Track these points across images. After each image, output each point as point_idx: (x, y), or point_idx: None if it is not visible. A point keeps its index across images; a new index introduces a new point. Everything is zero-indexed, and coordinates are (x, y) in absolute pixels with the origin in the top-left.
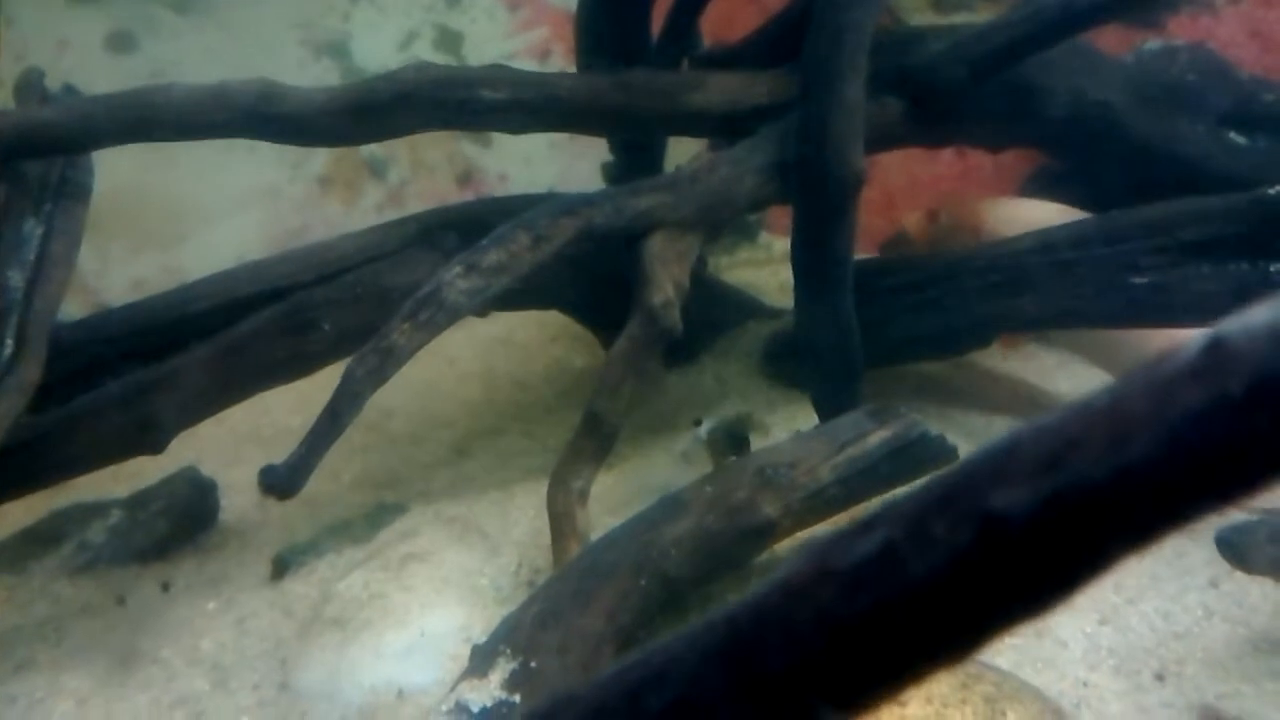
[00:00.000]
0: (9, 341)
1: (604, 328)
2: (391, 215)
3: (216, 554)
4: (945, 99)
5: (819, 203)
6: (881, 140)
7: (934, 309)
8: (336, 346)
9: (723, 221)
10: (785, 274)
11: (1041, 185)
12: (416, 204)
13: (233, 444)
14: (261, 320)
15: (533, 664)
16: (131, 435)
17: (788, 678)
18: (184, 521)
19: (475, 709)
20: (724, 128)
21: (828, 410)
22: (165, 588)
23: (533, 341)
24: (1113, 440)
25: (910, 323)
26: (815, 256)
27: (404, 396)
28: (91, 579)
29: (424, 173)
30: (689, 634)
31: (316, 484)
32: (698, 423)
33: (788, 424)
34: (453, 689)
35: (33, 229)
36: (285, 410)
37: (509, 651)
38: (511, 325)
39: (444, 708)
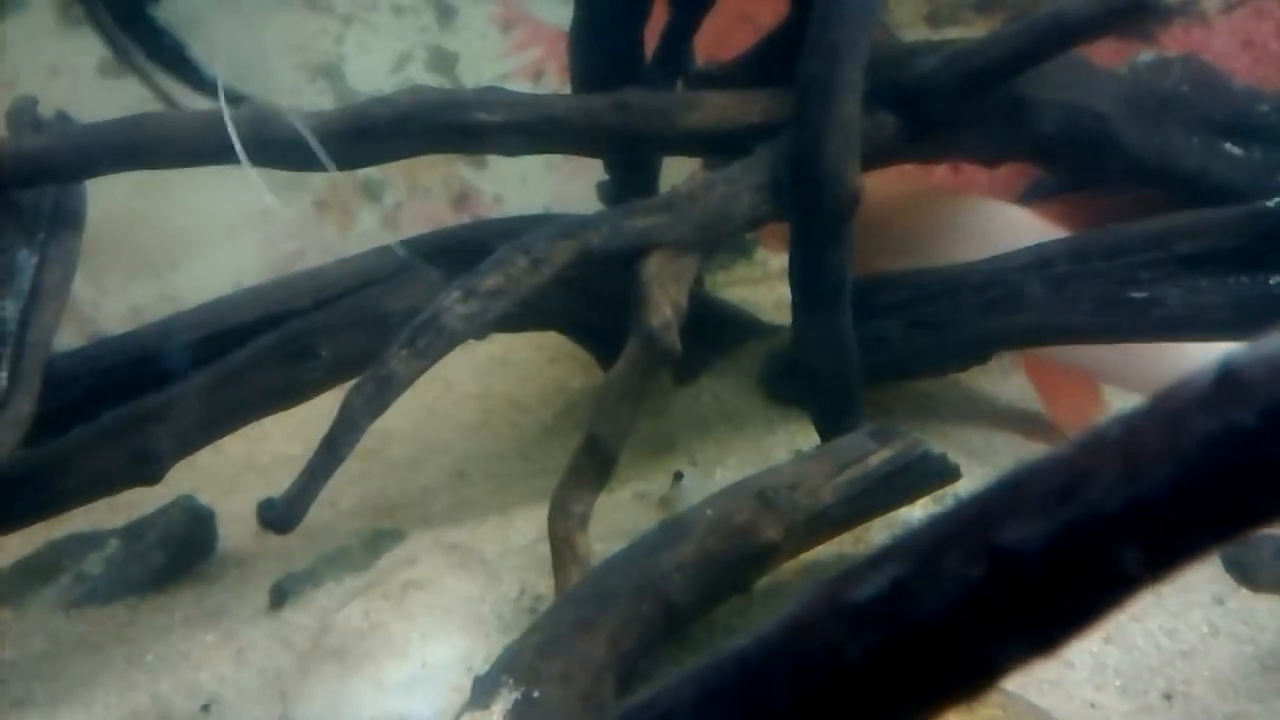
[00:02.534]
0: (2, 375)
1: (602, 348)
2: (387, 239)
3: (215, 584)
4: (940, 114)
5: (815, 221)
6: (876, 156)
7: (932, 326)
8: (334, 373)
9: (720, 241)
10: (782, 290)
11: (1036, 200)
12: (412, 227)
13: (230, 472)
14: (258, 348)
15: (535, 694)
16: (128, 467)
17: (797, 717)
18: (182, 551)
19: None
20: (720, 147)
21: (828, 430)
22: (164, 621)
23: (530, 362)
24: (1126, 472)
25: (908, 340)
26: (813, 275)
27: (402, 421)
28: (88, 612)
29: (419, 196)
30: (697, 674)
31: (314, 511)
32: (679, 476)
33: (787, 444)
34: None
35: (26, 259)
36: (283, 438)
37: (511, 682)
38: (509, 346)
39: None
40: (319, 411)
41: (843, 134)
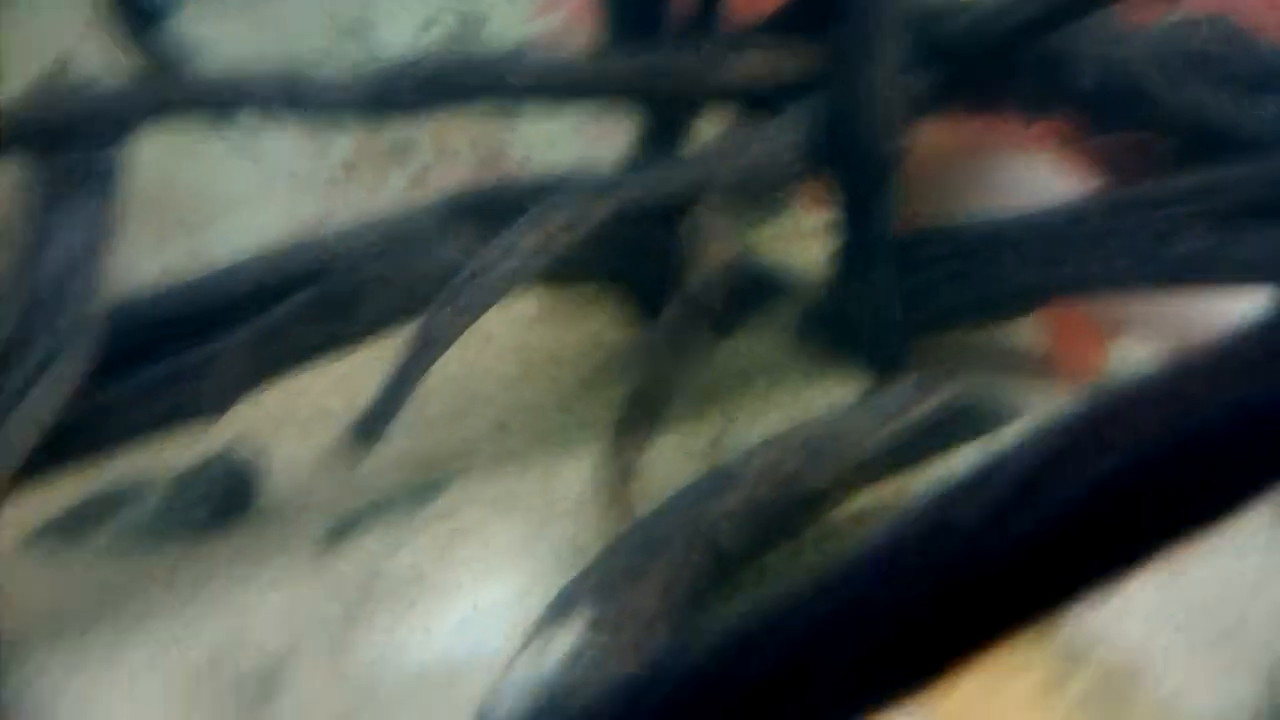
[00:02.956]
0: (57, 324)
1: (642, 302)
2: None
3: (258, 534)
4: (975, 71)
5: (857, 178)
6: (913, 113)
7: (973, 279)
8: (373, 328)
9: (758, 197)
10: (816, 249)
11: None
12: (440, 189)
13: (269, 425)
14: (299, 303)
15: (590, 639)
16: (179, 414)
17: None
18: (225, 503)
19: (540, 680)
20: (753, 104)
21: (873, 383)
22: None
23: (568, 317)
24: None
25: (949, 293)
26: (855, 231)
27: (441, 375)
28: (135, 560)
29: (447, 157)
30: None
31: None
32: (723, 427)
33: (826, 397)
34: (513, 662)
35: (67, 214)
36: (321, 391)
37: (565, 627)
38: (547, 301)
39: (507, 680)
40: (357, 366)
41: (884, 90)
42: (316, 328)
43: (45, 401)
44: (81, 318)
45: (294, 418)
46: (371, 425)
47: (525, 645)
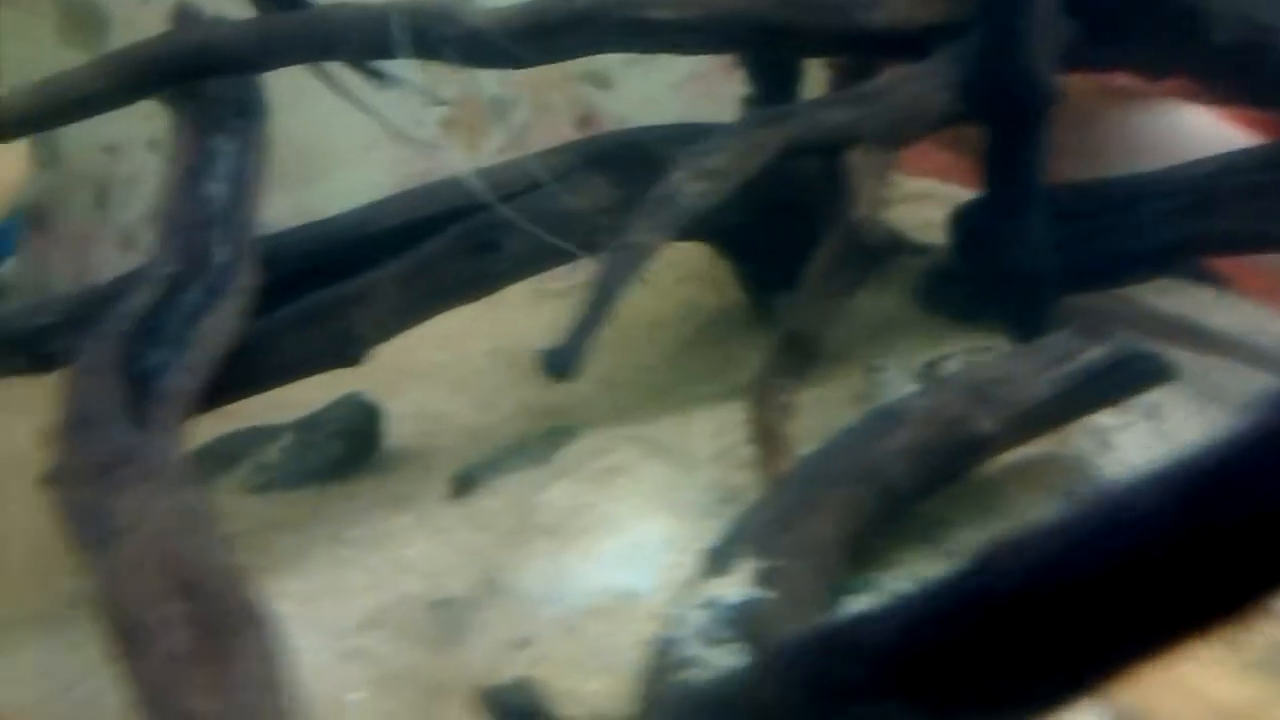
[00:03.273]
0: (221, 249)
1: (746, 264)
2: (513, 158)
3: (392, 474)
4: (1118, 20)
5: (1010, 122)
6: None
7: (1116, 233)
8: (518, 266)
9: (912, 139)
10: (924, 212)
11: None
12: (538, 146)
13: (385, 378)
14: (446, 240)
15: (774, 565)
16: (330, 348)
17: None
18: (355, 444)
19: (728, 603)
20: (897, 47)
21: (1022, 335)
22: (354, 505)
23: (661, 282)
24: None
25: (1091, 248)
26: (1006, 178)
27: (541, 336)
28: (276, 495)
29: (545, 115)
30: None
31: (473, 414)
32: (874, 368)
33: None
34: (696, 586)
35: (222, 144)
36: (431, 348)
37: (747, 552)
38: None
39: (694, 603)
40: (464, 323)
41: (1040, 32)
42: (466, 263)
43: (222, 330)
44: (245, 246)
45: (407, 371)
46: (573, 347)
47: (706, 571)
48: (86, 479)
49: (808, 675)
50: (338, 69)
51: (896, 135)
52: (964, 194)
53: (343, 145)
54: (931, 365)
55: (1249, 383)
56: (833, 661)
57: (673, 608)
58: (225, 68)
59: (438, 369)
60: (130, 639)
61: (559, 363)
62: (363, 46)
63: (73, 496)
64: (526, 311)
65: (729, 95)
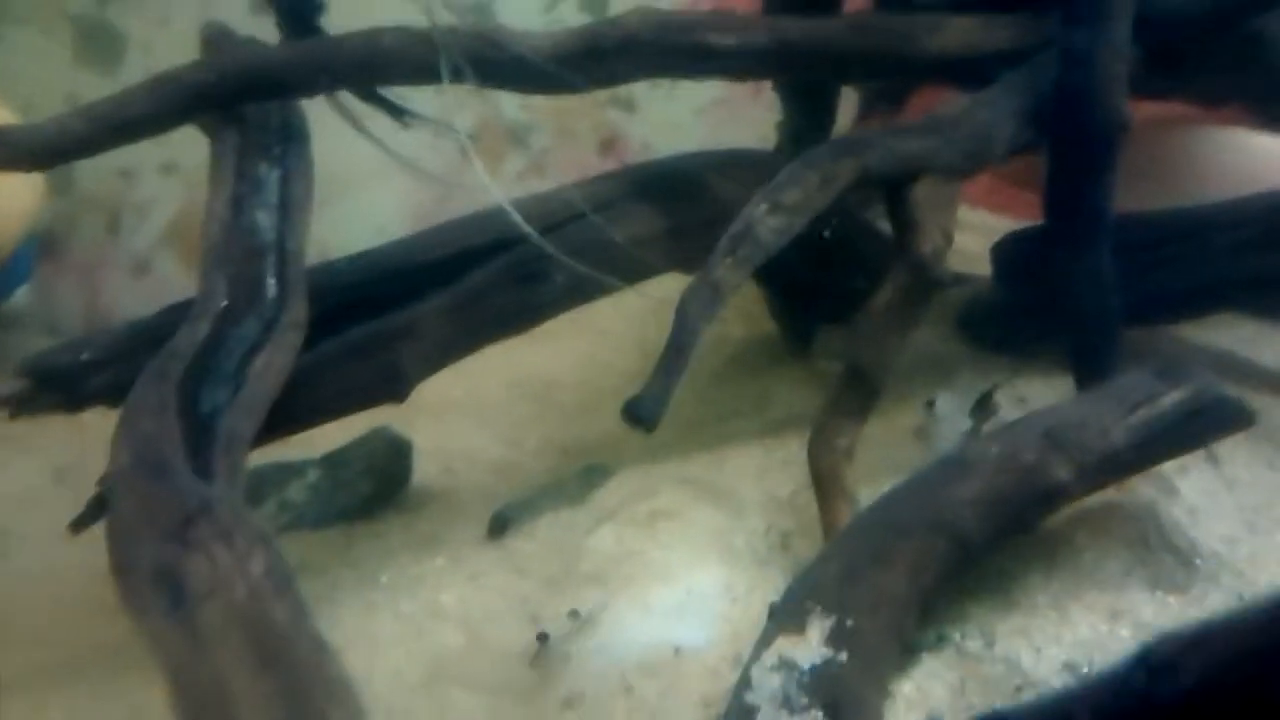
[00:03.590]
0: (271, 281)
1: (783, 300)
2: (534, 184)
3: (421, 514)
4: (1183, 48)
5: (1078, 151)
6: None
7: (1177, 267)
8: (567, 296)
9: (982, 167)
10: (964, 242)
11: None
12: (558, 172)
13: (401, 413)
14: (494, 270)
15: (849, 622)
16: (376, 383)
17: None
18: (384, 481)
19: (804, 665)
20: (963, 73)
21: (1086, 373)
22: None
23: None
24: None
25: (1150, 283)
26: (1071, 207)
27: (563, 367)
28: (303, 535)
29: (567, 140)
30: None
31: (499, 451)
32: (930, 404)
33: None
34: (765, 644)
35: (268, 171)
36: (443, 385)
37: (819, 609)
38: (660, 296)
39: (767, 664)
40: (480, 360)
41: (1113, 59)
42: (514, 294)
43: (277, 366)
44: (296, 277)
45: (426, 407)
46: (658, 393)
47: (774, 629)
48: (155, 536)
49: None
50: (348, 97)
51: (969, 165)
52: (998, 223)
53: (354, 172)
54: (984, 399)
55: None
56: None
57: (746, 669)
58: (273, 91)
59: (456, 403)
60: (212, 713)
61: (645, 410)
62: (411, 71)
63: (140, 555)
64: (541, 342)
65: (753, 120)
